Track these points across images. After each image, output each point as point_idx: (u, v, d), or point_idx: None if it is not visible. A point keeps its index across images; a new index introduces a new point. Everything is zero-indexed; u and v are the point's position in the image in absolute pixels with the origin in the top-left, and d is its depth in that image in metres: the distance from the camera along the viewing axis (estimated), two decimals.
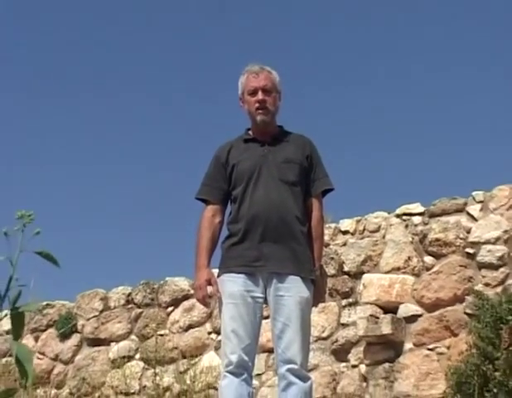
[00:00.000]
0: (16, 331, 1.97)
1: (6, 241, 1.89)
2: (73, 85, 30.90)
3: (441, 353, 9.76)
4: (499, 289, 9.57)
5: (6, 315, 1.93)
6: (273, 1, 30.07)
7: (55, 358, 12.33)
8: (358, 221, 10.74)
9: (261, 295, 5.47)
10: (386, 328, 9.97)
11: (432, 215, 10.28)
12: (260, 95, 5.65)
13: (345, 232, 10.74)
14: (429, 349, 9.86)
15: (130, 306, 12.08)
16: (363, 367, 10.17)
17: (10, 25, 30.45)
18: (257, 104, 5.65)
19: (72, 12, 30.32)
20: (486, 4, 27.24)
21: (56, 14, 30.82)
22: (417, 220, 10.36)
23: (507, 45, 27.65)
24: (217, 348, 10.47)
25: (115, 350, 11.94)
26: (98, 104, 30.25)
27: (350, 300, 10.44)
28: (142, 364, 11.64)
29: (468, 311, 9.67)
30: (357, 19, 29.30)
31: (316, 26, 29.24)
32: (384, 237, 10.47)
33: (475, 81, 27.74)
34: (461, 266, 9.90)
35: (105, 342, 12.09)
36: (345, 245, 10.67)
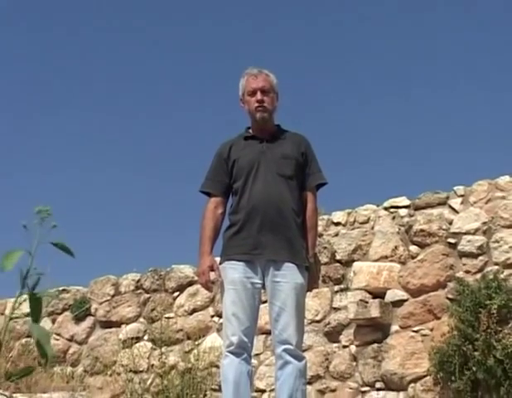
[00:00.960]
0: (35, 314, 1.97)
1: (25, 234, 1.90)
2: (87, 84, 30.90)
3: (425, 335, 9.76)
4: (478, 276, 9.57)
5: (25, 300, 1.93)
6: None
7: (71, 339, 12.35)
8: (349, 213, 10.73)
9: (259, 281, 5.47)
10: (374, 312, 9.98)
11: (417, 208, 10.27)
12: (259, 95, 5.66)
13: (337, 223, 10.74)
14: (414, 331, 9.85)
15: (139, 291, 12.09)
16: (353, 348, 10.18)
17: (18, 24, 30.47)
18: (256, 104, 5.66)
19: (77, 13, 30.31)
20: None
21: (57, 14, 30.79)
22: (403, 212, 10.35)
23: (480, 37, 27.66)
24: (219, 330, 10.47)
25: (125, 331, 11.96)
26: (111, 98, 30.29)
27: (342, 286, 10.44)
28: (149, 344, 11.65)
29: (450, 296, 9.67)
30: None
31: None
32: (372, 228, 10.47)
33: (461, 82, 27.75)
34: (443, 255, 9.90)
35: (116, 325, 12.10)
36: (337, 235, 10.66)
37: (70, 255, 1.97)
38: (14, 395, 3.46)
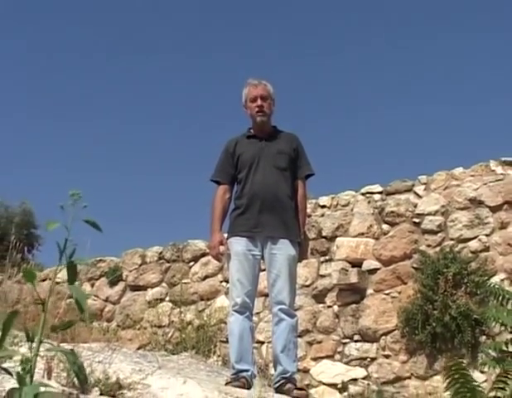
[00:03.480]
0: (72, 277, 1.98)
1: (62, 213, 1.91)
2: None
3: (394, 297, 9.76)
4: (437, 249, 9.57)
5: (65, 266, 1.95)
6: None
7: (106, 300, 12.35)
8: (332, 198, 10.72)
9: (259, 253, 5.48)
10: (353, 278, 9.98)
11: (388, 194, 10.26)
12: (259, 102, 5.67)
13: (323, 206, 10.72)
14: (385, 294, 9.85)
15: (161, 261, 12.09)
16: (336, 307, 10.18)
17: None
18: (257, 109, 5.67)
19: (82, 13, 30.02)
20: None
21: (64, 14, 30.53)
22: (377, 197, 10.34)
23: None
24: (226, 293, 10.46)
25: (150, 294, 11.96)
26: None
27: (327, 257, 10.43)
28: (170, 304, 11.65)
29: (414, 265, 9.67)
30: None
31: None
32: (352, 210, 10.45)
33: (433, 73, 27.71)
34: (409, 232, 9.89)
35: (143, 288, 12.10)
36: (322, 216, 10.65)
37: (99, 230, 1.98)
38: (61, 344, 3.48)
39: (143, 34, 30.44)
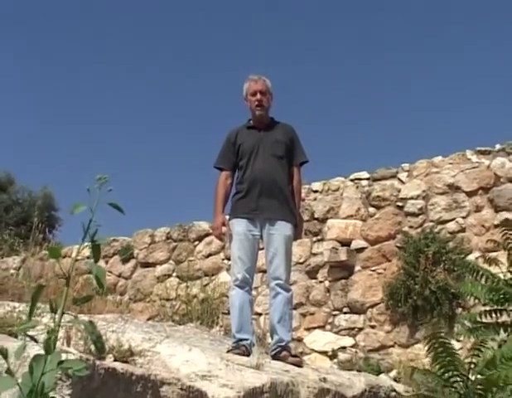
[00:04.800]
0: (96, 256, 1.98)
1: (88, 196, 1.91)
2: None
3: (379, 273, 9.78)
4: (419, 230, 9.58)
5: (87, 245, 1.95)
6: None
7: (119, 275, 12.37)
8: (324, 184, 10.71)
9: (258, 233, 5.48)
10: (343, 256, 10.00)
11: (375, 180, 10.26)
12: (258, 96, 5.65)
13: (316, 191, 10.72)
14: (372, 270, 9.87)
15: (169, 240, 12.09)
16: (327, 283, 10.20)
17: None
18: (256, 102, 5.65)
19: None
20: None
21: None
22: (364, 183, 10.34)
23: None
24: (228, 269, 10.49)
25: (159, 270, 11.98)
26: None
27: (319, 237, 10.44)
28: (177, 280, 11.66)
29: (398, 245, 9.68)
30: None
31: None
32: (341, 195, 10.45)
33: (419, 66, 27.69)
34: (393, 214, 9.90)
35: (152, 265, 12.11)
36: (315, 199, 10.65)
37: (121, 213, 1.98)
38: (79, 315, 3.48)
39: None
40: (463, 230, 9.36)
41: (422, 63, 28.01)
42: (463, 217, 9.41)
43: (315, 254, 10.38)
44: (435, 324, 8.48)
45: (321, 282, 10.27)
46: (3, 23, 30.72)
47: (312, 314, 10.18)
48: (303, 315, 10.20)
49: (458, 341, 8.09)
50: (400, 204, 9.89)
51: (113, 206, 1.96)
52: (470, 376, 4.85)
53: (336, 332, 9.91)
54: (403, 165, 10.16)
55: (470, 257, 8.76)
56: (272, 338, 5.47)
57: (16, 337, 3.36)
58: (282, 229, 5.46)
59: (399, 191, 9.95)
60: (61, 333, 3.57)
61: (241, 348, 5.16)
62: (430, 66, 27.95)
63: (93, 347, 3.09)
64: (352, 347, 9.71)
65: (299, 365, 5.16)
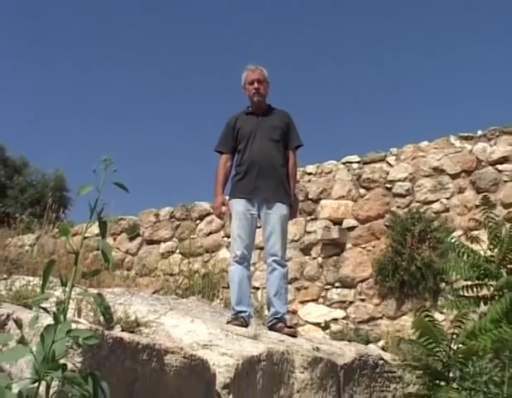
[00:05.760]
0: (102, 232, 1.98)
1: (94, 176, 1.90)
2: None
3: (369, 250, 9.80)
4: (406, 210, 9.60)
5: (94, 222, 1.94)
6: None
7: (126, 252, 12.38)
8: (317, 166, 10.71)
9: (256, 213, 5.47)
10: (335, 234, 10.02)
11: (365, 163, 10.26)
12: (256, 84, 5.64)
13: (310, 173, 10.72)
14: (362, 247, 9.89)
15: (172, 219, 12.10)
16: (320, 259, 10.22)
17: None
18: (254, 90, 5.64)
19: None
20: None
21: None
22: (355, 166, 10.34)
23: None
24: (227, 246, 10.49)
25: (163, 247, 12.00)
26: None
27: (312, 217, 10.45)
28: (180, 256, 11.69)
29: (386, 223, 9.70)
30: None
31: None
32: (334, 177, 10.46)
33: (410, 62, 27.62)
34: (382, 195, 9.91)
35: (157, 242, 12.13)
36: (309, 181, 10.65)
37: (126, 191, 1.98)
38: (88, 289, 3.50)
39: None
40: (447, 210, 9.38)
41: (413, 56, 27.94)
42: (447, 198, 9.43)
43: (309, 233, 10.40)
44: (420, 298, 8.54)
45: (314, 258, 10.29)
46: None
47: (306, 288, 10.20)
48: (298, 289, 10.23)
49: (441, 313, 8.12)
50: (388, 186, 9.90)
51: (118, 185, 1.96)
52: (452, 346, 4.87)
53: (329, 305, 9.95)
54: (391, 149, 10.16)
55: (454, 235, 8.77)
56: (268, 310, 5.48)
57: (30, 308, 3.36)
58: (279, 209, 5.45)
59: (388, 173, 9.96)
60: (73, 305, 3.57)
61: (240, 320, 5.17)
62: (418, 58, 27.88)
63: (102, 318, 3.09)
64: (343, 318, 9.75)
65: (294, 335, 5.17)
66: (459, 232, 8.94)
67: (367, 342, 8.45)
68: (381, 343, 8.76)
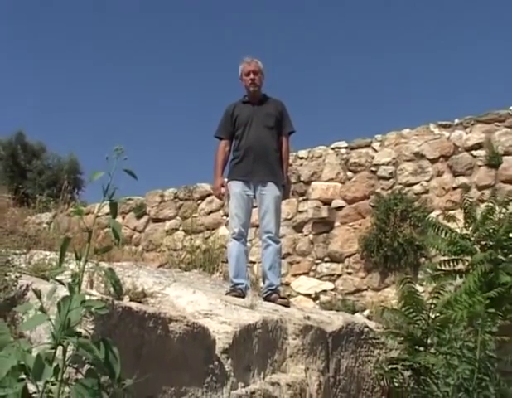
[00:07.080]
0: (113, 213, 2.00)
1: (106, 163, 1.92)
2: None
3: (355, 228, 9.82)
4: (389, 191, 9.61)
5: (106, 203, 1.96)
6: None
7: (134, 229, 12.38)
8: (309, 151, 10.70)
9: (252, 193, 5.48)
10: (324, 213, 10.04)
11: (352, 148, 10.25)
12: (252, 75, 5.63)
13: (301, 158, 10.71)
14: (349, 226, 9.91)
15: (176, 200, 12.09)
16: (311, 236, 10.24)
17: None
18: (250, 81, 5.63)
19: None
20: None
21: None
22: (343, 151, 10.33)
23: None
24: (226, 224, 10.51)
25: (168, 225, 11.99)
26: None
27: (304, 197, 10.45)
28: (183, 233, 11.69)
29: (371, 204, 9.72)
30: None
31: None
32: (324, 161, 10.45)
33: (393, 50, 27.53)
34: (368, 178, 9.91)
35: (162, 220, 12.12)
36: (301, 165, 10.64)
37: (135, 178, 2.00)
38: (100, 263, 3.52)
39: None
40: (427, 191, 9.40)
41: (405, 52, 27.85)
42: (427, 181, 9.44)
43: (301, 212, 10.41)
44: (402, 272, 8.58)
45: (305, 235, 10.31)
46: None
47: (298, 263, 10.24)
48: (290, 263, 10.26)
49: (421, 285, 8.13)
50: (373, 169, 9.90)
51: (127, 172, 1.97)
52: (430, 315, 4.92)
53: (319, 278, 9.99)
54: (376, 136, 10.15)
55: (432, 215, 8.80)
56: (263, 283, 5.50)
57: (48, 280, 3.38)
58: (273, 190, 5.46)
59: (373, 158, 9.96)
60: (86, 278, 3.59)
61: (237, 291, 5.19)
62: (405, 53, 27.80)
63: (112, 290, 3.11)
64: (332, 290, 9.80)
65: (287, 305, 5.19)
66: (437, 212, 8.97)
67: (353, 312, 8.49)
68: (366, 313, 8.80)
